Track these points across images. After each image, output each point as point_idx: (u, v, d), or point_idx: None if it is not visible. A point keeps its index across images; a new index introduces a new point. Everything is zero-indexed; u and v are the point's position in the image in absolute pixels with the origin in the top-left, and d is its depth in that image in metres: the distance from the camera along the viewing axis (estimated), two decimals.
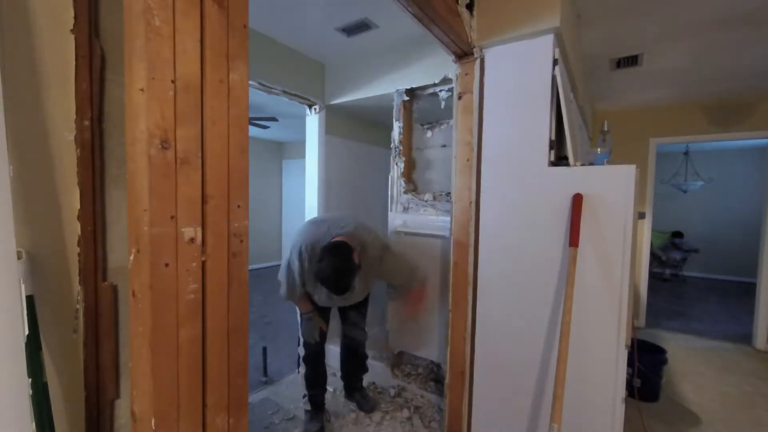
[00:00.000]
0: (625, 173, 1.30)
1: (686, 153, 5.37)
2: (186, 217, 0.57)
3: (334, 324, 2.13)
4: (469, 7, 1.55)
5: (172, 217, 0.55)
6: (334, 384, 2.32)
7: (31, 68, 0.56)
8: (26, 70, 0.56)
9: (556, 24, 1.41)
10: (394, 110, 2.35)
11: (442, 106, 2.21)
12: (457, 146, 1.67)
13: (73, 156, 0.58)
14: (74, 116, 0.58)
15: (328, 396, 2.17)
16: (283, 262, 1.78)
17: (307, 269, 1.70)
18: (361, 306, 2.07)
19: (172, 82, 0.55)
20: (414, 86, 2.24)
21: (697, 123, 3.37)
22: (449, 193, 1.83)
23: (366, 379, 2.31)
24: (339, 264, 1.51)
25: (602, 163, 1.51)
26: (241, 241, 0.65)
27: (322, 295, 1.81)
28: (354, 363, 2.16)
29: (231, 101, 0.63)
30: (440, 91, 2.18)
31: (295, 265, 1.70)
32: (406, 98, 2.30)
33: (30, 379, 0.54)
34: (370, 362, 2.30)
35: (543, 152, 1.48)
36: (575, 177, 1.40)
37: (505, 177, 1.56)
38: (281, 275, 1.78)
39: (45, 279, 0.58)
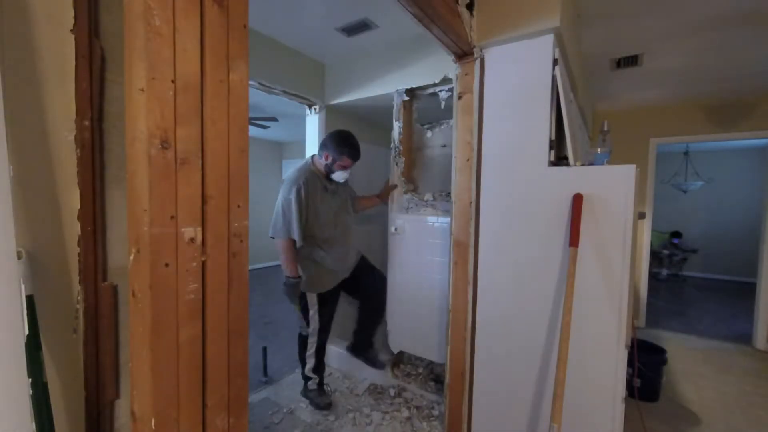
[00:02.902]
0: (625, 173, 1.30)
1: (686, 153, 5.36)
2: (186, 217, 0.57)
3: (337, 322, 2.19)
4: (469, 7, 1.55)
5: (172, 217, 0.55)
6: (335, 385, 2.32)
7: (31, 68, 0.56)
8: (26, 70, 0.56)
9: (556, 24, 1.41)
10: (394, 110, 2.35)
11: (442, 106, 2.21)
12: (457, 146, 1.67)
13: (73, 156, 0.58)
14: (74, 116, 0.58)
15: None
16: (278, 207, 1.88)
17: (308, 205, 1.88)
18: (370, 269, 2.30)
19: (172, 82, 0.55)
20: (414, 86, 2.23)
21: (697, 123, 3.36)
22: (449, 193, 1.83)
23: (366, 380, 2.31)
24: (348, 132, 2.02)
25: (602, 163, 1.50)
26: (241, 241, 0.65)
27: (333, 251, 1.99)
28: (373, 317, 2.33)
29: (231, 101, 0.63)
30: (440, 91, 2.18)
31: (294, 202, 1.83)
32: (406, 98, 2.30)
33: (30, 379, 0.54)
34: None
35: (543, 152, 1.48)
36: (575, 177, 1.40)
37: (505, 177, 1.56)
38: (275, 220, 1.87)
39: (45, 279, 0.58)
